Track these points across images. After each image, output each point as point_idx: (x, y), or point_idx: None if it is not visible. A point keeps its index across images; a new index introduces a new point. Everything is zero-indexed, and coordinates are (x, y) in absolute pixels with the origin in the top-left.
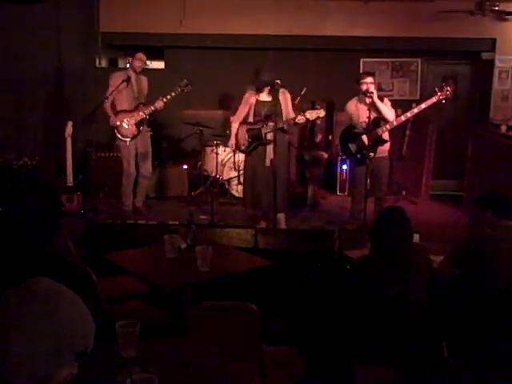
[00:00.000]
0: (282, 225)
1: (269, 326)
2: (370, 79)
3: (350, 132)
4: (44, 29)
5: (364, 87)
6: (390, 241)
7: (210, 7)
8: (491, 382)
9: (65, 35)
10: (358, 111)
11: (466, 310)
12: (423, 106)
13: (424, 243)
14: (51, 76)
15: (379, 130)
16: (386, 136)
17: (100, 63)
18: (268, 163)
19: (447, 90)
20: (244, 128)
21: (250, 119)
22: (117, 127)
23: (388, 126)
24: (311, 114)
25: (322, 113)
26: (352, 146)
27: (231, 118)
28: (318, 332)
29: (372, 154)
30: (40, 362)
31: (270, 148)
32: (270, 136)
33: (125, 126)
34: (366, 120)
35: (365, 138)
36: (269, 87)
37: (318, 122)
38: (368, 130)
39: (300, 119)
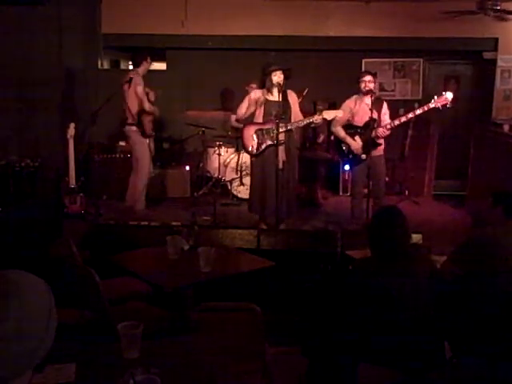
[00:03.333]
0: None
1: (271, 327)
2: (368, 77)
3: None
4: (46, 31)
5: (362, 85)
6: (387, 241)
7: (212, 8)
8: (491, 382)
9: (66, 37)
10: (359, 110)
11: (467, 309)
12: (418, 111)
13: (426, 243)
14: (53, 78)
15: (372, 132)
16: (380, 139)
17: (102, 65)
18: (281, 165)
19: (446, 99)
20: (252, 129)
21: (259, 119)
22: (144, 124)
23: (380, 130)
24: (329, 114)
25: (340, 112)
26: (345, 147)
27: (233, 117)
28: (320, 332)
29: (364, 156)
30: None
31: (281, 150)
32: (281, 137)
33: (148, 123)
34: (367, 119)
35: (357, 138)
36: (282, 75)
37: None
38: (361, 131)
39: (317, 119)
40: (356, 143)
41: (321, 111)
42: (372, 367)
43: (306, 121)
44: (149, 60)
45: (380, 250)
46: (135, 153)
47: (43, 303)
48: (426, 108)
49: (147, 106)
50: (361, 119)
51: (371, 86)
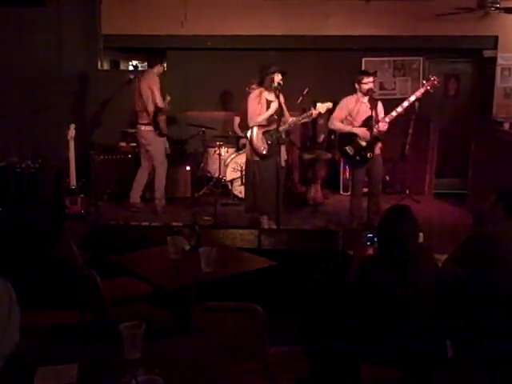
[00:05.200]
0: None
1: (272, 327)
2: (370, 78)
3: (346, 134)
4: (46, 31)
5: (362, 85)
6: (397, 241)
7: (211, 9)
8: (492, 381)
9: (67, 38)
10: (359, 109)
11: (468, 308)
12: (412, 98)
13: (427, 242)
14: (53, 79)
15: (373, 130)
16: (381, 135)
17: (102, 65)
18: (283, 163)
19: (434, 80)
20: (260, 131)
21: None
22: (159, 123)
23: (381, 125)
24: (322, 107)
25: (330, 105)
26: (349, 149)
27: (237, 120)
28: (322, 331)
29: (370, 154)
30: None
31: (283, 148)
32: (283, 136)
33: (163, 123)
34: (366, 117)
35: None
36: (280, 77)
37: (321, 122)
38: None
39: (315, 114)
40: (363, 129)
41: (314, 104)
42: (374, 367)
43: (306, 118)
44: (162, 63)
45: (387, 249)
46: (151, 152)
47: (1, 301)
48: (418, 94)
49: (160, 103)
50: (360, 118)
51: (371, 85)
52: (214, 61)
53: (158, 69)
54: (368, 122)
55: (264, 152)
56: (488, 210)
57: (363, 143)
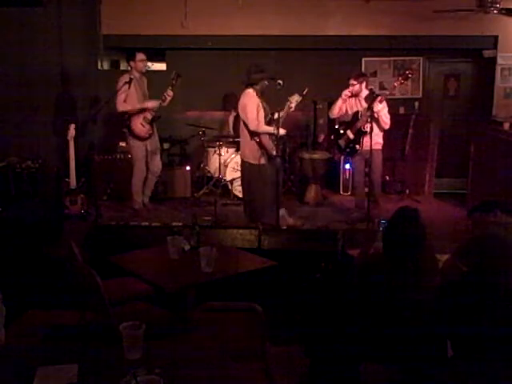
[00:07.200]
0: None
1: (273, 327)
2: (354, 81)
3: (337, 129)
4: (46, 32)
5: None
6: (402, 245)
7: (211, 9)
8: (492, 381)
9: (67, 38)
10: (351, 104)
11: (469, 308)
12: (387, 92)
13: (428, 242)
14: (53, 79)
15: (358, 124)
16: (367, 128)
17: (102, 66)
18: (278, 160)
19: (409, 73)
20: (268, 135)
21: (262, 123)
22: (133, 128)
23: (364, 118)
24: (293, 98)
25: (297, 96)
26: (341, 142)
27: (257, 126)
28: (323, 332)
29: (358, 147)
30: None
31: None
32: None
33: (140, 126)
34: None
35: (349, 132)
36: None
37: (321, 122)
38: (350, 124)
39: (292, 107)
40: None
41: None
42: (374, 366)
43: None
44: (137, 58)
45: (391, 250)
46: (130, 154)
47: None
48: (392, 87)
49: (119, 105)
50: (351, 112)
51: (353, 88)
52: (214, 61)
53: (134, 68)
54: (355, 117)
55: (274, 153)
56: (482, 221)
57: (351, 136)
